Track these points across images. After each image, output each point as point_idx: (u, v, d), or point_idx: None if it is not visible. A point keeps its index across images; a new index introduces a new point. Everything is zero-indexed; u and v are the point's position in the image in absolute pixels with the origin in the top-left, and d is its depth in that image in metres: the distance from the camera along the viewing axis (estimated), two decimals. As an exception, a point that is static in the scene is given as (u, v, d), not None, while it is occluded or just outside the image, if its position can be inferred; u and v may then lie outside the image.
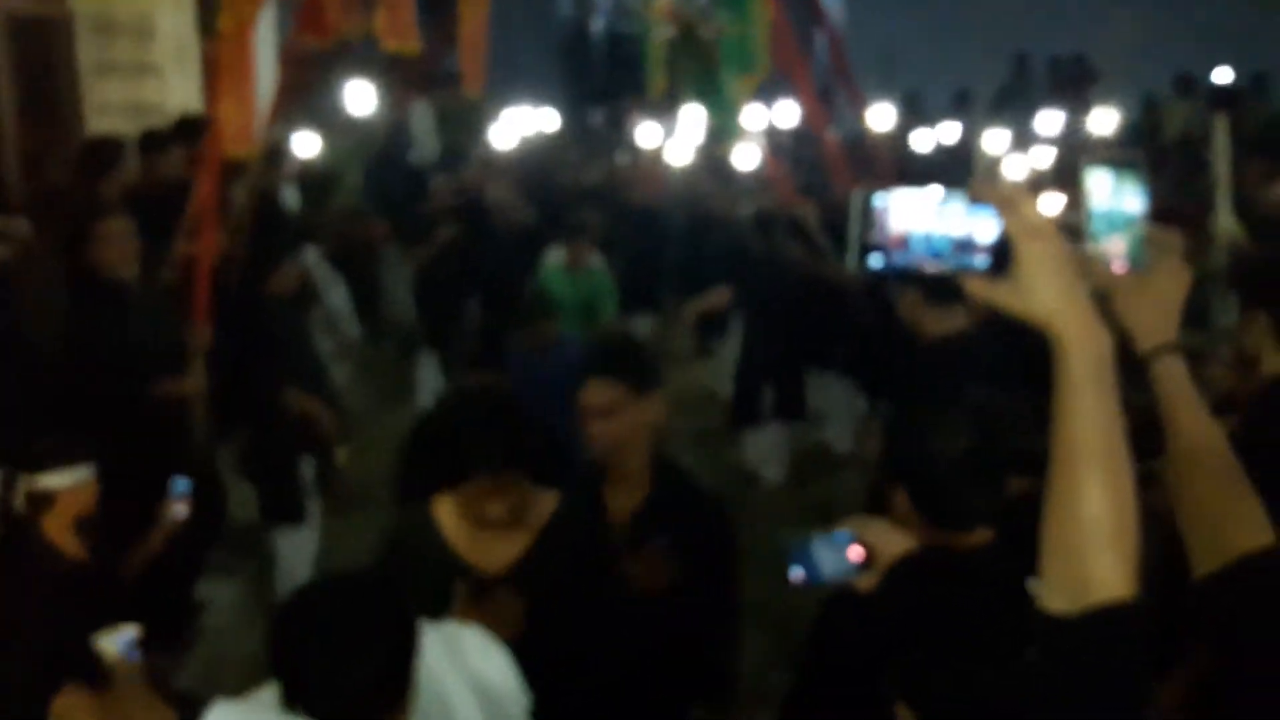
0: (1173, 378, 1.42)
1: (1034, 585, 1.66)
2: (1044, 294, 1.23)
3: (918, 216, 1.26)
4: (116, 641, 2.56)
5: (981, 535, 2.17)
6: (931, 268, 1.28)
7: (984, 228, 1.26)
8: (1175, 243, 1.37)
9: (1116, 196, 1.32)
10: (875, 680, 1.54)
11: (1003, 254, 1.25)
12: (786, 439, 6.50)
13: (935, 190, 1.27)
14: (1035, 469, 2.50)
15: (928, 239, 1.26)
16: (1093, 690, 1.25)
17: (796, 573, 1.91)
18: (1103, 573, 1.23)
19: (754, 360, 6.35)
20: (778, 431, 6.45)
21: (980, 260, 1.26)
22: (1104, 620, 1.23)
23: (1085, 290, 1.25)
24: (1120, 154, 1.33)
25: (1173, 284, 1.37)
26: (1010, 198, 1.25)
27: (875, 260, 1.27)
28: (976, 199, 1.26)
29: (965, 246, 1.26)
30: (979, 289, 1.27)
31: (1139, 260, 1.33)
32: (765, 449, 6.48)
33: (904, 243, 1.26)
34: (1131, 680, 1.26)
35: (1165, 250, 1.36)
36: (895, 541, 1.90)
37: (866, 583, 1.86)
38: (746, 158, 6.52)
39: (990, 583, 1.56)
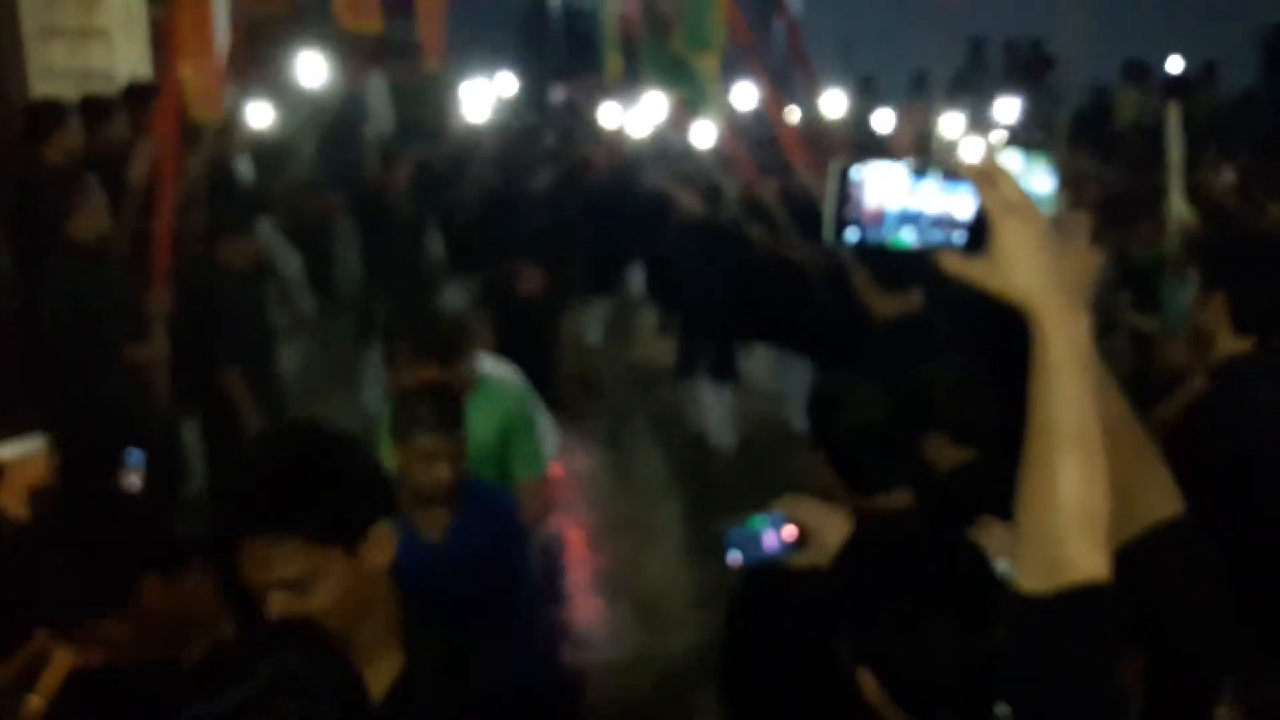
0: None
1: (976, 542, 1.70)
2: (1022, 273, 1.22)
3: (893, 192, 1.23)
4: None
5: (901, 498, 2.24)
6: (908, 244, 1.25)
7: (961, 204, 1.24)
8: (1083, 224, 1.36)
9: (1026, 176, 1.30)
10: (828, 650, 1.56)
11: (980, 231, 1.23)
12: (741, 413, 6.55)
13: (910, 164, 1.24)
14: (971, 440, 2.60)
15: (902, 214, 1.24)
16: (1065, 670, 1.25)
17: (734, 556, 1.94)
18: (1077, 554, 1.23)
19: (694, 322, 6.49)
20: (732, 405, 6.51)
21: (957, 237, 1.24)
22: (1077, 601, 1.23)
23: (1063, 269, 1.24)
24: (1029, 136, 1.33)
25: (1081, 265, 1.35)
26: (989, 173, 1.23)
27: (851, 234, 1.24)
28: (953, 175, 1.24)
29: (942, 223, 1.24)
30: (955, 266, 1.25)
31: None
32: (722, 425, 6.52)
33: (879, 218, 1.24)
34: (1104, 661, 1.27)
35: (1073, 232, 1.35)
36: (827, 519, 1.93)
37: (800, 561, 1.90)
38: (706, 136, 6.51)
39: (932, 547, 1.60)
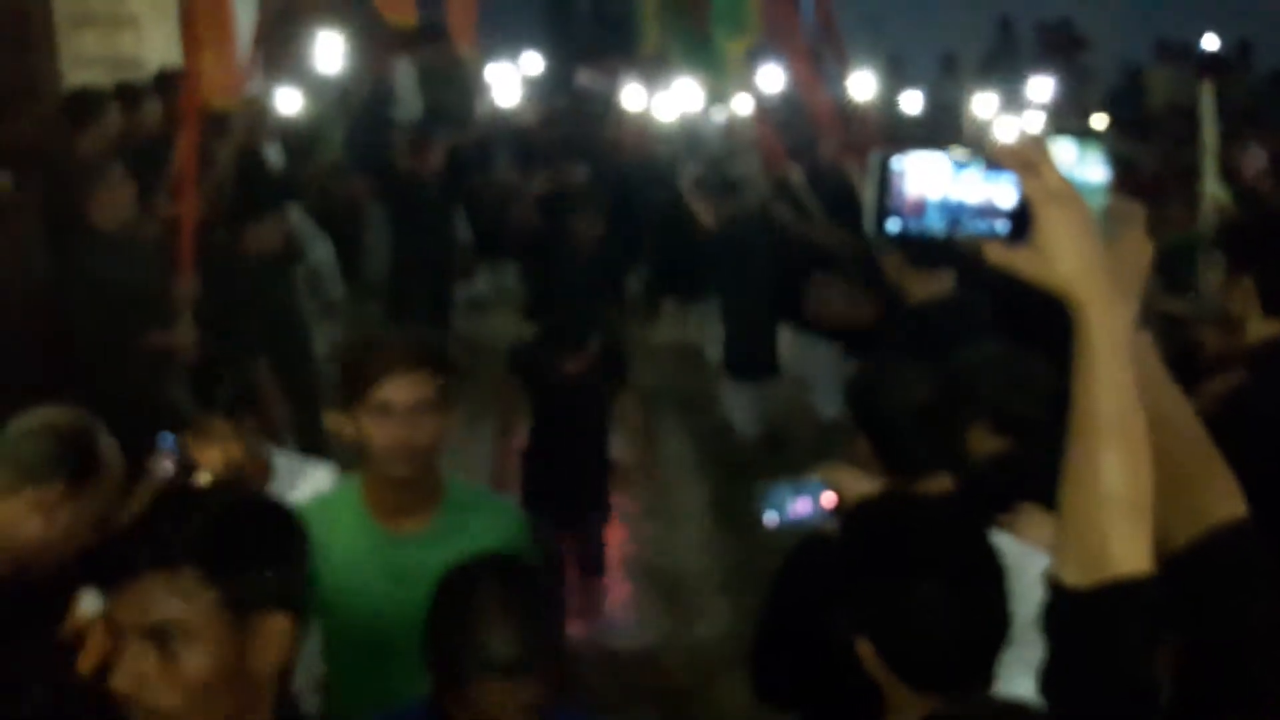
0: (1138, 350, 1.40)
1: (997, 535, 1.69)
2: (1065, 262, 1.21)
3: (934, 181, 1.23)
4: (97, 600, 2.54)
5: (941, 482, 2.23)
6: (950, 234, 1.25)
7: (1003, 192, 1.24)
8: (1138, 214, 1.35)
9: (1079, 166, 1.29)
10: (835, 617, 1.57)
11: (1022, 220, 1.23)
12: (769, 399, 6.52)
13: (953, 153, 1.24)
14: (1012, 429, 2.57)
15: (944, 204, 1.23)
16: (1106, 663, 1.24)
17: (770, 516, 1.96)
18: (1119, 546, 1.22)
19: (737, 317, 6.39)
20: (761, 392, 6.48)
21: (1000, 226, 1.24)
22: (1120, 594, 1.22)
23: (1117, 259, 1.24)
24: (1065, 120, 1.31)
25: (1135, 255, 1.34)
26: (1031, 161, 1.22)
27: (892, 225, 1.24)
28: (995, 163, 1.23)
29: (984, 212, 1.24)
30: (998, 255, 1.25)
31: (1101, 231, 1.30)
32: (748, 409, 6.51)
33: (920, 208, 1.23)
34: (1145, 655, 1.26)
35: (1128, 222, 1.34)
36: (865, 488, 1.95)
37: (834, 529, 1.91)
38: (733, 119, 6.48)
39: (945, 525, 1.60)
